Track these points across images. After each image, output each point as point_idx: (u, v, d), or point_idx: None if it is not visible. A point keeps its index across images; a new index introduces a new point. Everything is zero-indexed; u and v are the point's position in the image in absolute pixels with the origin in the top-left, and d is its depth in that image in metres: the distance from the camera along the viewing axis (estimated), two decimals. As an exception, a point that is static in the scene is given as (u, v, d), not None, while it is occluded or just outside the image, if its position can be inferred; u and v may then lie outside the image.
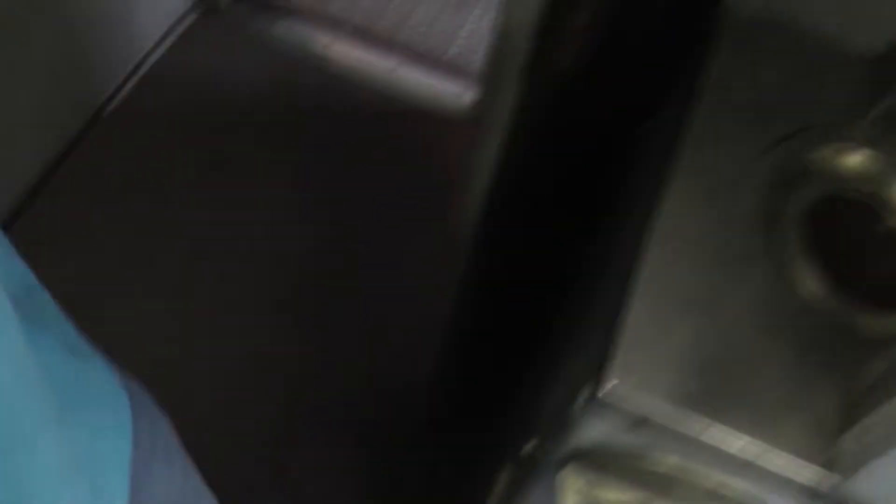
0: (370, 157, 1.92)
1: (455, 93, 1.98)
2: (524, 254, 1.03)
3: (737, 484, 0.70)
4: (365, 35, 2.06)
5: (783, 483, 0.67)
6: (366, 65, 2.02)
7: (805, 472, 0.66)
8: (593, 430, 0.70)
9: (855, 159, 0.83)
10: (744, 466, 0.67)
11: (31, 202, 1.76)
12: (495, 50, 0.85)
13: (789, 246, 0.77)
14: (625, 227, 0.79)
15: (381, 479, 1.54)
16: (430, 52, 2.06)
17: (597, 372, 0.68)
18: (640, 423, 0.67)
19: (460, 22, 2.11)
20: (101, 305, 1.55)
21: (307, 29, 2.06)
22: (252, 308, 1.70)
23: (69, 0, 1.68)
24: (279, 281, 1.74)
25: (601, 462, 0.72)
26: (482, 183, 1.00)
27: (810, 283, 0.75)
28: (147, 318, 1.66)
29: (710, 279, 0.72)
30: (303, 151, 1.92)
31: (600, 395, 0.66)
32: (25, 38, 1.60)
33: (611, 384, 0.66)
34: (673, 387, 0.67)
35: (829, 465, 0.66)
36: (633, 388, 0.66)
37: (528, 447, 0.90)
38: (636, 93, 0.84)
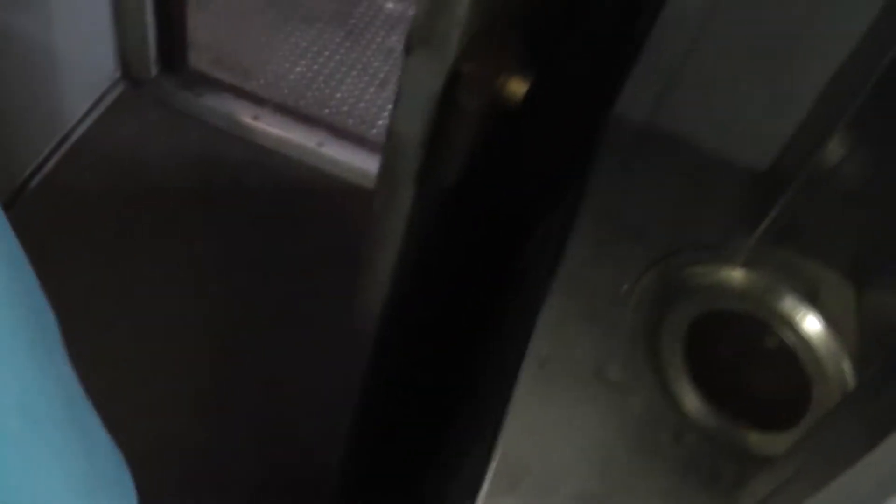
0: (291, 233, 1.92)
1: (379, 170, 1.99)
2: (423, 352, 1.04)
3: None
4: (290, 111, 2.07)
5: None
6: (290, 141, 2.03)
7: None
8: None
9: (737, 276, 0.85)
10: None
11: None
12: (387, 157, 0.87)
13: (671, 364, 0.78)
14: (508, 343, 0.80)
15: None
16: (354, 129, 2.08)
17: (474, 494, 0.68)
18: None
19: (385, 100, 2.14)
20: None
21: (233, 104, 2.07)
22: (156, 385, 1.68)
23: (-6, 73, 1.67)
24: (184, 361, 1.72)
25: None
26: (384, 286, 1.01)
27: (692, 400, 0.77)
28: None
29: (588, 401, 0.73)
30: (223, 227, 1.92)
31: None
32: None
33: (484, 511, 0.66)
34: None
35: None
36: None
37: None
38: (525, 205, 0.86)
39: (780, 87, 0.86)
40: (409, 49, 0.79)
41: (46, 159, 1.94)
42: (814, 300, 0.86)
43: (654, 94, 0.86)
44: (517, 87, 0.83)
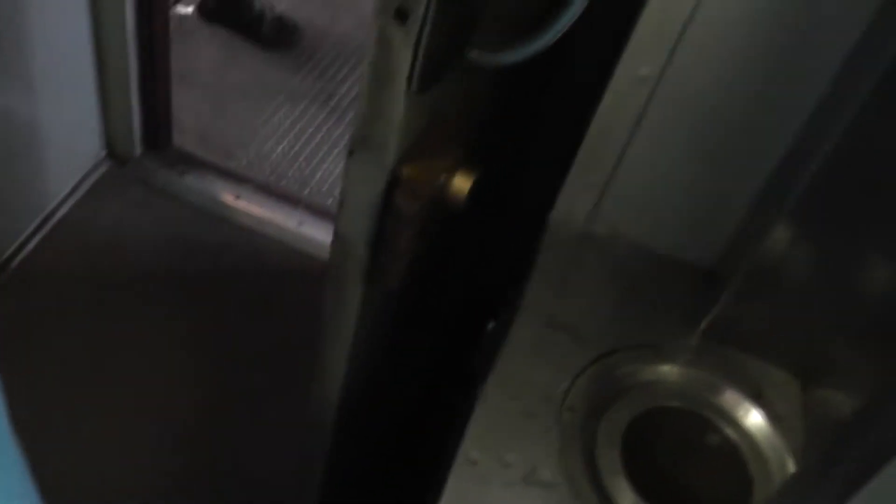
0: (270, 314, 1.93)
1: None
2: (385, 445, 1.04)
3: None
4: (270, 191, 2.09)
5: None
6: (271, 220, 2.05)
7: None
8: None
9: (677, 374, 0.85)
10: None
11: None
12: (334, 257, 0.88)
13: (607, 464, 0.78)
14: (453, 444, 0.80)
15: None
16: (333, 209, 2.09)
17: None
18: None
19: (365, 180, 2.16)
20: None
21: (215, 183, 2.10)
22: (133, 461, 1.68)
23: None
24: (161, 439, 1.72)
25: None
26: (338, 377, 1.01)
27: (628, 501, 0.77)
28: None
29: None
30: (202, 309, 1.92)
31: None
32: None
33: None
34: None
35: None
36: None
37: None
38: (471, 306, 0.87)
39: (719, 184, 0.88)
40: (350, 152, 0.81)
41: (28, 239, 1.95)
42: (757, 397, 0.87)
43: (593, 194, 0.87)
44: (459, 190, 0.84)
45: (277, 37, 2.48)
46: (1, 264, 1.90)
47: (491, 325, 0.92)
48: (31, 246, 1.96)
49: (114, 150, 2.11)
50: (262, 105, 2.33)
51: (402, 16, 0.67)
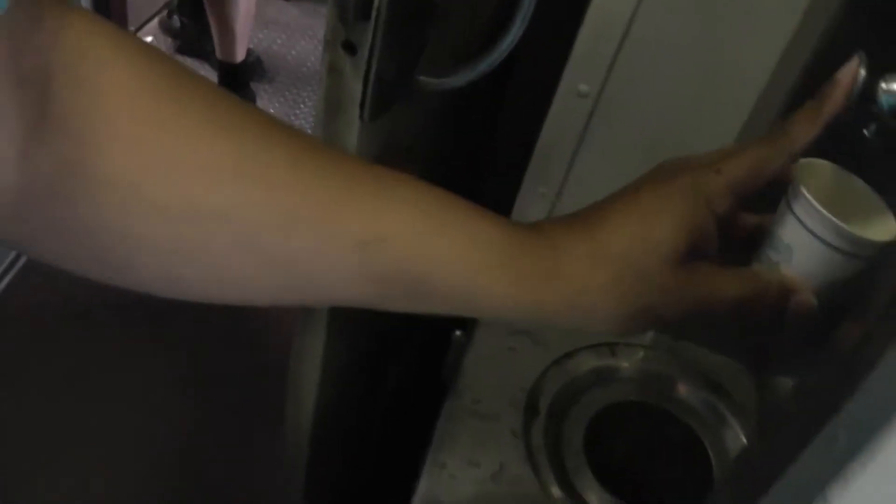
0: (249, 334, 1.96)
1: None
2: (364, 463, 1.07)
3: None
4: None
5: None
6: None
7: None
8: None
9: (637, 369, 0.90)
10: None
11: None
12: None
13: (572, 459, 0.82)
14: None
15: None
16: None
17: None
18: None
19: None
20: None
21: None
22: (117, 489, 1.71)
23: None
24: (146, 466, 1.75)
25: None
26: (311, 395, 1.05)
27: (594, 494, 0.81)
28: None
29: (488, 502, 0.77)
30: (180, 332, 1.96)
31: None
32: None
33: None
34: None
35: None
36: None
37: None
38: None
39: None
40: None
41: (3, 274, 1.98)
42: (715, 388, 0.91)
43: (545, 205, 0.92)
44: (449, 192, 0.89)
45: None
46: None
47: (457, 334, 0.96)
48: (6, 280, 1.99)
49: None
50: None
51: (350, 48, 0.71)
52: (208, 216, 0.45)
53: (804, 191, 0.50)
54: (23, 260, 2.02)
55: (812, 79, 0.71)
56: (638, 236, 0.50)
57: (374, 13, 0.67)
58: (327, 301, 0.52)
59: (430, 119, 0.98)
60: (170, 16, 2.72)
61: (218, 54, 2.46)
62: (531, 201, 0.94)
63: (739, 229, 0.56)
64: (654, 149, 0.87)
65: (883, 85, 0.46)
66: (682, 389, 0.90)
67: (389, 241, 0.48)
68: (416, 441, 1.04)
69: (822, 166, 0.53)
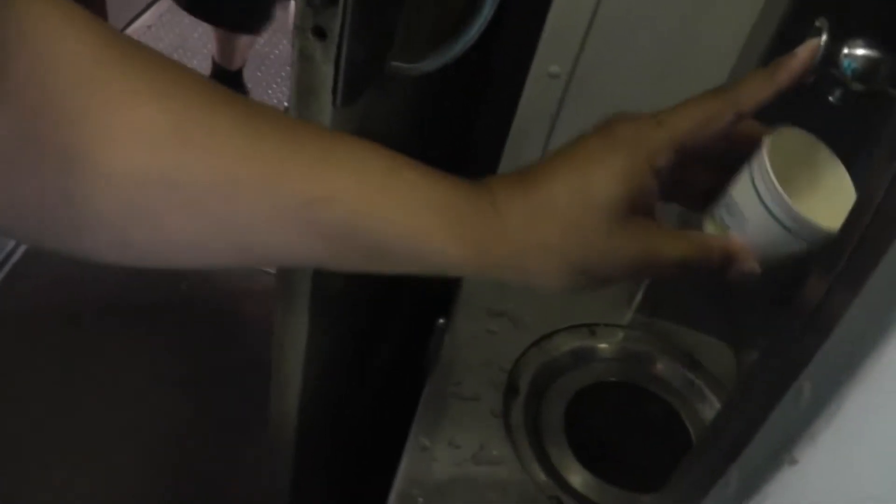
0: (234, 332, 1.96)
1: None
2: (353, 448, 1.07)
3: None
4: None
5: None
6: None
7: None
8: None
9: (614, 349, 0.90)
10: None
11: None
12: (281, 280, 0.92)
13: (552, 439, 0.83)
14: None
15: None
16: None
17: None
18: None
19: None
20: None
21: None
22: (111, 491, 1.70)
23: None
24: (138, 467, 1.75)
25: None
26: (295, 387, 1.05)
27: (576, 472, 0.81)
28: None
29: (468, 483, 0.77)
30: (168, 333, 1.95)
31: None
32: None
33: None
34: None
35: None
36: None
37: None
38: (423, 304, 0.91)
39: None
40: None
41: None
42: (692, 365, 0.92)
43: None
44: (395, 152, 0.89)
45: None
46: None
47: (440, 322, 0.96)
48: (-1, 280, 1.98)
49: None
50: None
51: (320, 33, 0.71)
52: (153, 181, 0.45)
53: (766, 160, 0.50)
54: (13, 260, 2.02)
55: (781, 47, 0.71)
56: (576, 189, 0.50)
57: (341, -3, 0.67)
58: (279, 262, 0.52)
59: (405, 104, 0.98)
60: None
61: (215, 56, 2.42)
62: (507, 185, 0.95)
63: (692, 185, 0.56)
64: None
65: (846, 50, 0.46)
66: (661, 367, 0.91)
67: (336, 200, 0.48)
68: (402, 428, 1.04)
69: (798, 137, 0.53)
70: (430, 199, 0.50)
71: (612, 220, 0.49)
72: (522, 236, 0.50)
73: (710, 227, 0.55)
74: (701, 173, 0.55)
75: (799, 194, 0.50)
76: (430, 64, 0.82)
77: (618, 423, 0.88)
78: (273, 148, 0.48)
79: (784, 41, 0.71)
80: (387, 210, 0.49)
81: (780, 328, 0.39)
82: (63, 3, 0.44)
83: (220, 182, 0.46)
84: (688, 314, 0.94)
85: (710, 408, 0.90)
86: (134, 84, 0.45)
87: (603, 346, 0.90)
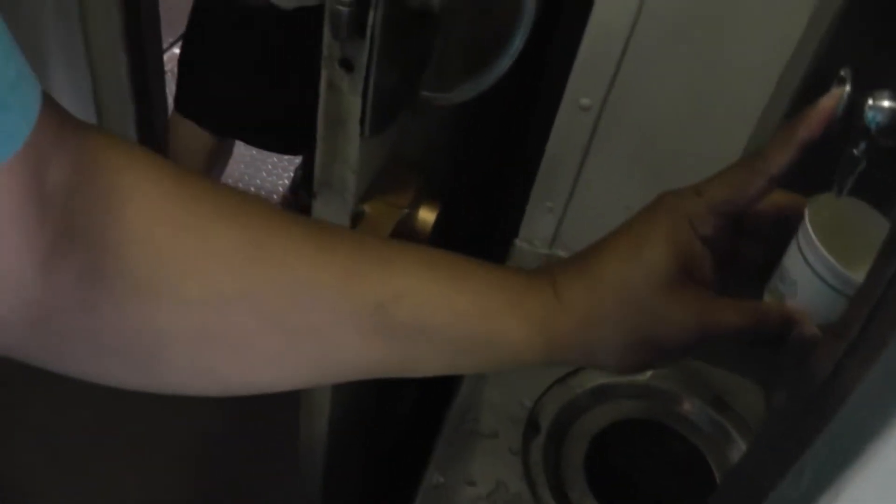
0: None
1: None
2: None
3: None
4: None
5: None
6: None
7: None
8: None
9: (641, 387, 0.89)
10: None
11: None
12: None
13: (573, 477, 0.81)
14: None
15: None
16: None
17: None
18: None
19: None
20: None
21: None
22: (144, 495, 1.72)
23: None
24: (167, 472, 1.76)
25: None
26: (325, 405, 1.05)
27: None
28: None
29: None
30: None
31: None
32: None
33: None
34: None
35: None
36: None
37: None
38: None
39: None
40: (314, 194, 0.85)
41: None
42: (719, 405, 0.90)
43: (553, 219, 0.91)
44: (423, 223, 0.88)
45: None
46: None
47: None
48: None
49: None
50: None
51: (347, 65, 0.71)
52: (231, 302, 0.47)
53: (808, 224, 0.50)
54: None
55: (811, 86, 0.70)
56: (628, 262, 0.51)
57: (368, 30, 0.67)
58: (353, 372, 0.54)
59: (435, 133, 0.98)
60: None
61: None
62: (538, 215, 0.94)
63: (745, 260, 0.56)
64: (658, 160, 0.87)
65: (870, 101, 0.45)
66: (688, 406, 0.89)
67: (405, 298, 0.50)
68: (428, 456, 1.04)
69: (839, 199, 0.52)
70: (494, 285, 0.52)
71: (665, 289, 0.50)
72: (583, 314, 0.51)
73: (767, 298, 0.55)
74: (757, 249, 0.55)
75: (849, 256, 0.50)
76: (461, 95, 0.82)
77: (641, 464, 0.86)
78: (342, 256, 0.49)
79: (812, 83, 0.69)
80: (456, 302, 0.51)
81: (784, 406, 0.38)
82: (123, 142, 0.45)
83: (295, 294, 0.48)
84: (717, 353, 0.92)
85: (736, 450, 0.88)
86: (203, 212, 0.46)
87: (629, 383, 0.89)
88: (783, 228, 0.53)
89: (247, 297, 0.47)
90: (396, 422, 1.34)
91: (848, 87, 0.45)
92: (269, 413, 1.84)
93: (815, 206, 0.52)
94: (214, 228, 0.46)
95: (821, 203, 0.52)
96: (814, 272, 0.51)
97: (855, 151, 0.47)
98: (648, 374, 0.90)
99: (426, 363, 0.53)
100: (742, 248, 0.55)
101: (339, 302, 0.49)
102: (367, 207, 0.84)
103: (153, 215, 0.45)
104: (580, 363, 0.53)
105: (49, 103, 0.40)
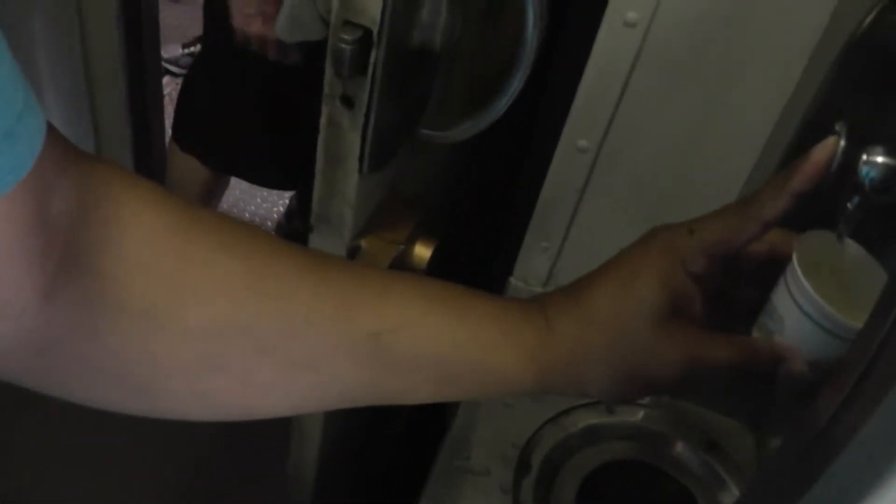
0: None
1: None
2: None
3: None
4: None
5: None
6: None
7: None
8: None
9: (633, 427, 0.89)
10: None
11: None
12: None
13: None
14: None
15: None
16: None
17: None
18: None
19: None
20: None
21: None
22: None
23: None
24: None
25: None
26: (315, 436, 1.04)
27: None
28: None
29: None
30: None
31: None
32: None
33: None
34: None
35: None
36: None
37: None
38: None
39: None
40: (311, 228, 0.85)
41: None
42: (712, 448, 0.90)
43: (548, 258, 0.92)
44: (419, 259, 0.89)
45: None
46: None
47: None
48: None
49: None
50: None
51: (348, 102, 0.72)
52: (229, 331, 0.47)
53: (797, 264, 0.50)
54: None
55: (808, 139, 0.70)
56: (618, 297, 0.52)
57: (370, 69, 0.68)
58: (349, 400, 0.54)
59: (433, 170, 0.98)
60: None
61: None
62: (534, 255, 0.94)
63: (736, 299, 0.56)
64: (653, 203, 0.87)
65: (865, 156, 0.45)
66: (680, 448, 0.89)
67: (403, 329, 0.51)
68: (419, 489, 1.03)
69: (828, 238, 0.53)
70: (491, 316, 0.52)
71: (654, 325, 0.51)
72: (573, 345, 0.52)
73: (755, 334, 0.55)
74: (747, 288, 0.56)
75: (838, 295, 0.50)
76: (460, 133, 0.83)
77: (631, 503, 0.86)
78: (339, 287, 0.50)
79: (808, 131, 0.70)
80: (454, 333, 0.51)
81: (783, 448, 0.38)
82: (125, 172, 0.46)
83: (294, 325, 0.49)
84: (709, 395, 0.92)
85: (728, 494, 0.88)
86: (204, 243, 0.47)
87: (621, 423, 0.89)
88: (773, 264, 0.54)
89: (246, 328, 0.47)
90: (387, 450, 1.34)
91: (843, 142, 0.46)
92: (258, 439, 1.83)
93: (804, 243, 0.52)
94: (215, 259, 0.47)
95: (811, 240, 0.52)
96: (801, 310, 0.51)
97: (849, 205, 0.48)
98: (640, 414, 0.90)
99: (422, 392, 0.54)
100: (732, 283, 0.55)
101: (336, 333, 0.49)
102: (363, 243, 0.85)
103: (154, 245, 0.45)
104: (569, 392, 0.54)
105: (52, 133, 0.41)
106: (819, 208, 0.51)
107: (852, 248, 0.53)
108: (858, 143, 0.45)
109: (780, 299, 0.53)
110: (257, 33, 1.42)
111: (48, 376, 0.47)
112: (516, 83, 0.78)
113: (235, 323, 0.47)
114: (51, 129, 0.41)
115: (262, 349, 0.48)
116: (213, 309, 0.47)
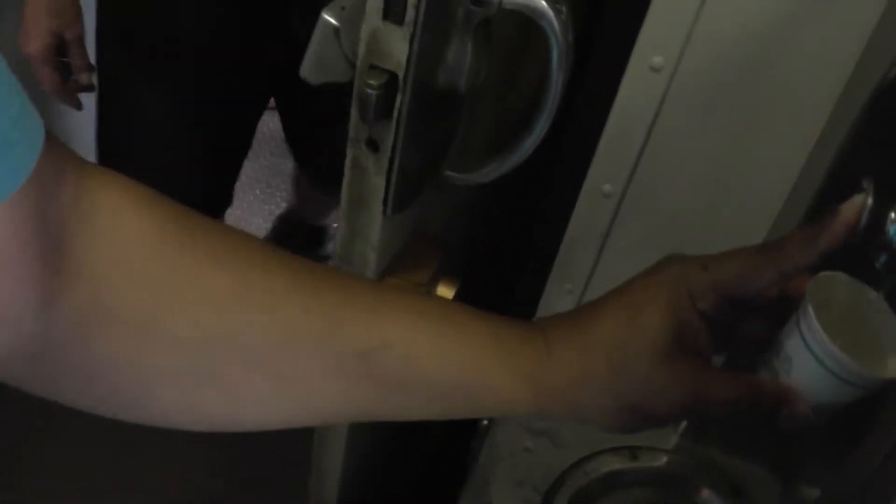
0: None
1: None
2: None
3: None
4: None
5: None
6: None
7: None
8: None
9: (657, 474, 0.88)
10: None
11: None
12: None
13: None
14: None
15: None
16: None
17: None
18: None
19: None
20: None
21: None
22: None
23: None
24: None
25: None
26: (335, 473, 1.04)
27: None
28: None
29: None
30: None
31: None
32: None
33: None
34: None
35: None
36: None
37: None
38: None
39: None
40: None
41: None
42: (737, 495, 0.89)
43: (571, 302, 0.91)
44: (444, 297, 0.89)
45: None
46: None
47: (485, 423, 0.95)
48: None
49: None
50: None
51: (373, 145, 0.72)
52: (218, 342, 0.47)
53: (810, 309, 0.50)
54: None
55: (834, 188, 0.70)
56: (623, 325, 0.51)
57: (395, 112, 0.68)
58: (339, 415, 0.54)
59: (456, 211, 0.98)
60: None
61: (309, 217, 2.32)
62: (557, 297, 0.93)
63: (748, 336, 0.56)
64: (679, 248, 0.86)
65: (893, 215, 0.45)
66: (705, 495, 0.88)
67: (393, 347, 0.50)
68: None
69: (842, 281, 0.52)
70: (486, 336, 0.52)
71: (658, 358, 0.50)
72: (572, 372, 0.51)
73: (762, 372, 0.55)
74: (756, 323, 0.55)
75: (849, 339, 0.49)
76: (484, 175, 0.83)
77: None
78: (329, 302, 0.50)
79: (834, 181, 0.70)
80: (446, 352, 0.51)
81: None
82: (122, 180, 0.46)
83: (281, 338, 0.48)
84: (735, 441, 0.91)
85: (753, 541, 0.86)
86: (194, 252, 0.47)
87: (645, 469, 0.87)
88: (784, 303, 0.53)
89: (233, 340, 0.47)
90: (407, 489, 1.33)
91: (870, 200, 0.45)
92: (276, 477, 1.82)
93: (818, 284, 0.51)
94: (207, 270, 0.47)
95: (824, 282, 0.51)
96: (811, 352, 0.50)
97: (876, 265, 0.47)
98: (664, 460, 0.89)
99: (414, 410, 0.53)
100: (741, 320, 0.54)
101: (324, 349, 0.49)
102: (387, 283, 0.85)
103: (145, 254, 0.45)
104: (569, 418, 0.53)
105: (51, 140, 0.41)
106: (839, 258, 0.51)
107: (865, 291, 0.52)
108: (885, 199, 0.44)
109: (790, 340, 0.52)
110: (30, 55, 1.29)
111: (44, 381, 0.47)
112: (542, 125, 0.78)
113: (223, 335, 0.47)
114: (49, 135, 0.41)
115: (252, 362, 0.48)
116: (201, 319, 0.47)
